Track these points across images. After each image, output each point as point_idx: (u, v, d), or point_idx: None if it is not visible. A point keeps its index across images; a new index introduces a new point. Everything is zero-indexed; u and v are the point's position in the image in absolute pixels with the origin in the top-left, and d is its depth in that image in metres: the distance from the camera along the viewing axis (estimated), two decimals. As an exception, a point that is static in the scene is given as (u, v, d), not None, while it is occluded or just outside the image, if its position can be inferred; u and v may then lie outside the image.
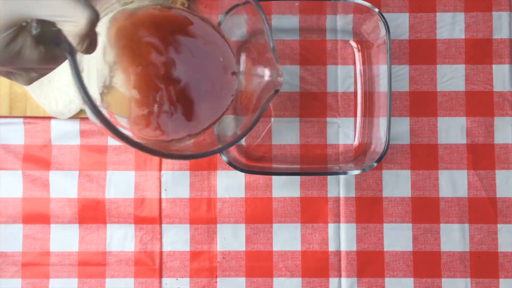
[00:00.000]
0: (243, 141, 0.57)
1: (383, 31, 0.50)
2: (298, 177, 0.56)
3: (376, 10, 0.49)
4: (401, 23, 0.57)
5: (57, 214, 0.56)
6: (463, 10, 0.57)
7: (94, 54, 0.33)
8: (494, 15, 0.57)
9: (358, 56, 0.56)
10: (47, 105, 0.54)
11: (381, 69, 0.51)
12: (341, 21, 0.56)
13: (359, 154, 0.55)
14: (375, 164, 0.49)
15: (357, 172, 0.49)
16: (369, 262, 0.55)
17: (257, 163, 0.56)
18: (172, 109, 0.40)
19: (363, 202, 0.56)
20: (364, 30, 0.54)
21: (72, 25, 0.30)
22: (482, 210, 0.56)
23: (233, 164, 0.49)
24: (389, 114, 0.49)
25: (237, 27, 0.56)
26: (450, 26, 0.57)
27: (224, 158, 0.49)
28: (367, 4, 0.49)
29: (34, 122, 0.56)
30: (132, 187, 0.56)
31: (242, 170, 0.49)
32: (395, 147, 0.56)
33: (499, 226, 0.55)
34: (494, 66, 0.57)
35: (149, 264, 0.55)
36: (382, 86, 0.51)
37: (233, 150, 0.55)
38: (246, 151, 0.56)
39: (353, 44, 0.57)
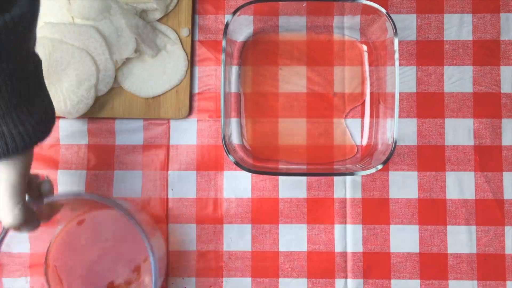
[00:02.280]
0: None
1: (390, 32, 0.50)
2: (305, 178, 0.56)
3: (384, 11, 0.49)
4: (408, 24, 0.57)
5: (65, 213, 0.56)
6: (471, 11, 0.57)
7: None
8: (502, 17, 0.57)
9: (365, 57, 0.56)
10: (55, 105, 0.55)
11: (388, 70, 0.51)
12: (349, 22, 0.56)
13: (366, 155, 0.55)
14: (381, 166, 0.48)
15: (363, 173, 0.49)
16: (376, 264, 0.55)
17: (263, 164, 0.56)
18: None
19: (370, 203, 0.56)
20: (372, 31, 0.54)
21: None
22: (489, 212, 0.55)
23: (241, 165, 0.49)
24: (396, 116, 0.49)
25: (244, 27, 0.56)
26: (458, 27, 0.57)
27: (231, 158, 0.49)
28: (375, 5, 0.49)
29: (43, 121, 0.57)
30: (139, 186, 0.56)
31: (249, 171, 0.49)
32: (402, 148, 0.56)
33: (506, 228, 0.55)
34: (502, 67, 0.56)
35: (156, 263, 0.56)
36: (389, 87, 0.51)
37: (240, 151, 0.56)
38: (253, 152, 0.57)
39: (360, 45, 0.57)
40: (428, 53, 0.57)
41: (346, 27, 0.56)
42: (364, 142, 0.56)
